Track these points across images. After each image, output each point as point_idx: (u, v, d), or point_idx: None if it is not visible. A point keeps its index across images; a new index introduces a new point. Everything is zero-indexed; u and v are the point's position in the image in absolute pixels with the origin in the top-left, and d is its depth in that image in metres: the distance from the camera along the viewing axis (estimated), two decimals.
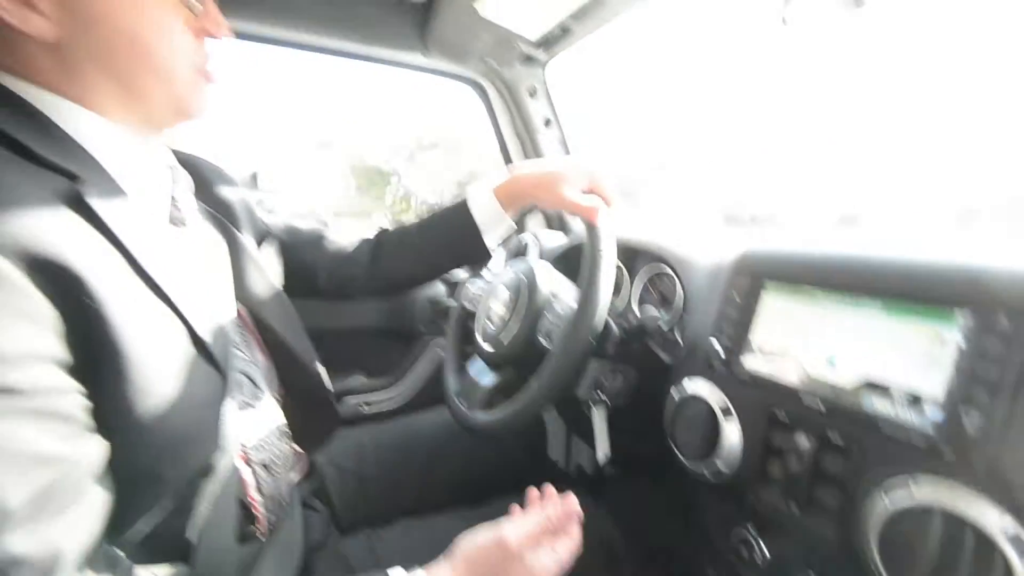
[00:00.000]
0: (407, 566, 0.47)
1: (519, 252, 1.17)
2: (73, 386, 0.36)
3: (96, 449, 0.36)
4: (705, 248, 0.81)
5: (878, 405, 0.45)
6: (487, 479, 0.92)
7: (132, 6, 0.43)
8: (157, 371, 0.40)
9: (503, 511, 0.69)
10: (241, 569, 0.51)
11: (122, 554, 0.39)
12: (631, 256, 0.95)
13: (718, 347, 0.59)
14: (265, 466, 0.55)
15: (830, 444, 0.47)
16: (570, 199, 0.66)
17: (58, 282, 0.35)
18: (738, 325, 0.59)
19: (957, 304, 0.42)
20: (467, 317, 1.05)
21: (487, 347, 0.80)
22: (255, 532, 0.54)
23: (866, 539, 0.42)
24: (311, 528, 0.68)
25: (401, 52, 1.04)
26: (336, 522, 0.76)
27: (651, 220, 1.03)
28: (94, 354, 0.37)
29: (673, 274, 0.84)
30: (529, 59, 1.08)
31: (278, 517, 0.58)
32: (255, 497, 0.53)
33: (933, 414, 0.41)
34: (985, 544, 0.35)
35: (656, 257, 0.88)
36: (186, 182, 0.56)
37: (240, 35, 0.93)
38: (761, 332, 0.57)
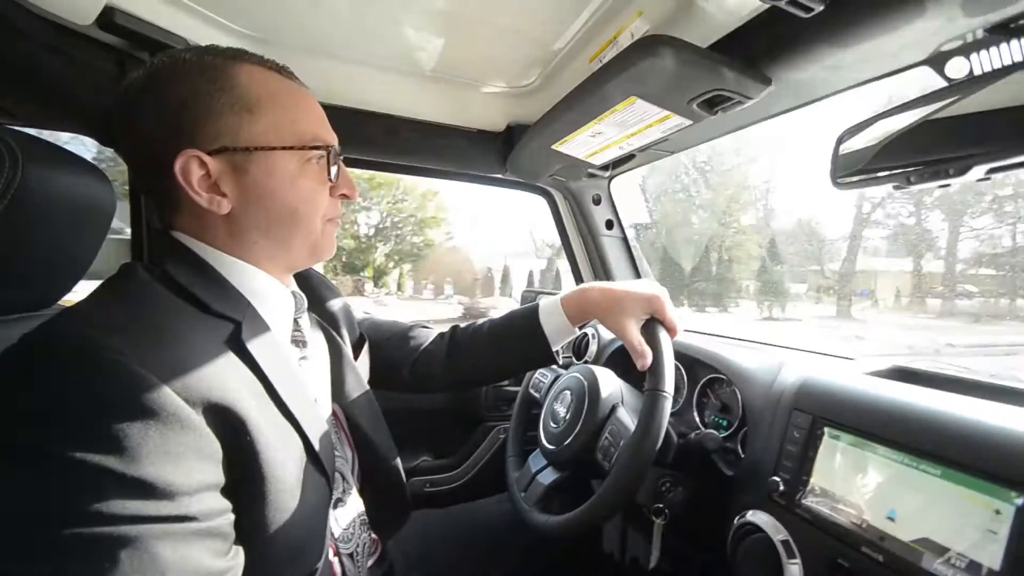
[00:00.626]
0: None
1: (579, 344, 1.25)
2: (227, 506, 0.42)
3: (240, 560, 0.42)
4: (761, 361, 0.85)
5: (938, 565, 0.48)
6: (544, 572, 0.95)
7: (292, 187, 0.53)
8: (284, 486, 0.46)
9: None
10: None
11: None
12: (691, 364, 1.00)
13: (779, 481, 0.63)
14: (350, 555, 0.62)
15: None
16: (630, 336, 0.72)
17: (224, 421, 0.42)
18: (798, 462, 0.63)
19: (1012, 485, 0.45)
20: (531, 403, 1.12)
21: (549, 446, 0.87)
22: None
23: None
24: None
25: (483, 172, 1.21)
26: None
27: (709, 331, 1.09)
28: (242, 476, 0.43)
29: (732, 385, 0.88)
30: (594, 175, 1.21)
31: None
32: None
33: None
34: None
35: (715, 369, 0.93)
36: (303, 302, 0.63)
37: (357, 163, 1.14)
38: (821, 473, 0.61)
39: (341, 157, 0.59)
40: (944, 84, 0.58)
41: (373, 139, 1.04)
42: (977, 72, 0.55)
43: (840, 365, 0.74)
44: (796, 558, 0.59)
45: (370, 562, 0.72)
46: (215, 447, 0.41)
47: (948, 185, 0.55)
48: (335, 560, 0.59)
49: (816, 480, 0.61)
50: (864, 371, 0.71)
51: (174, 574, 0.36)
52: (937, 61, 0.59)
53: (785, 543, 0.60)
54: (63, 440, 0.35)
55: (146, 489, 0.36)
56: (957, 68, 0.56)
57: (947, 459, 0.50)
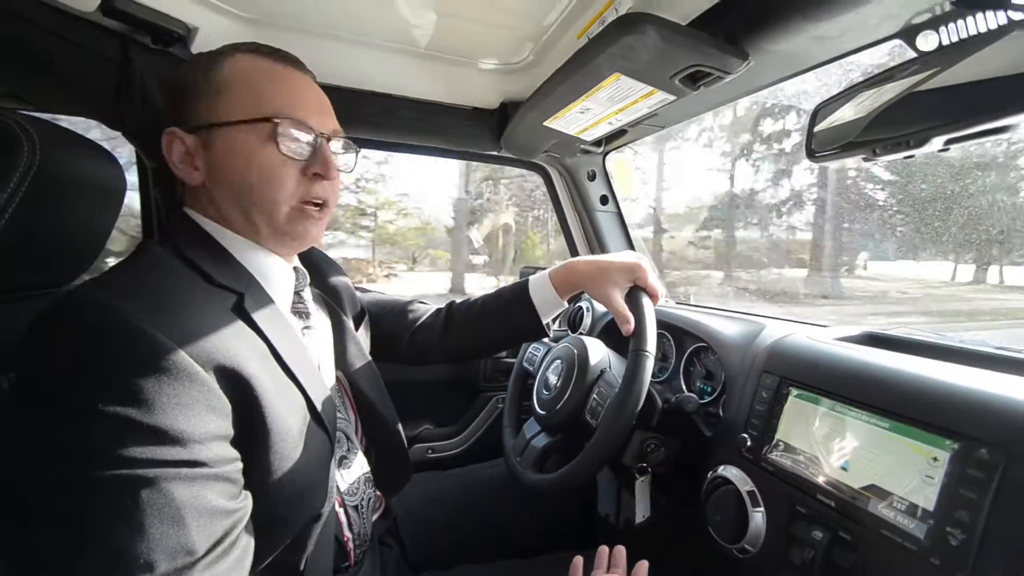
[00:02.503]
0: None
1: (574, 318, 1.29)
2: (236, 456, 0.46)
3: (248, 503, 0.46)
4: (741, 330, 0.89)
5: (881, 508, 0.52)
6: (540, 530, 1.02)
7: (248, 163, 0.55)
8: (288, 440, 0.50)
9: (552, 567, 0.78)
10: None
11: None
12: (679, 334, 1.04)
13: (747, 438, 0.67)
14: (355, 508, 0.67)
15: (840, 539, 0.55)
16: (615, 303, 0.76)
17: (231, 380, 0.46)
18: (765, 420, 0.67)
19: (947, 434, 0.49)
20: (526, 375, 1.18)
21: (542, 412, 0.92)
22: (346, 565, 0.65)
23: None
24: (386, 563, 0.80)
25: (479, 150, 1.24)
26: (407, 560, 0.88)
27: (695, 302, 1.13)
28: (250, 430, 0.47)
29: (715, 353, 0.92)
30: (588, 152, 1.23)
31: (362, 552, 0.69)
32: (347, 535, 0.65)
33: (925, 523, 0.48)
34: None
35: (700, 338, 0.96)
36: (305, 277, 0.67)
37: (356, 142, 1.16)
38: (785, 430, 0.65)
39: (325, 136, 0.58)
40: (916, 56, 0.60)
41: (371, 118, 1.07)
42: (945, 43, 0.56)
43: (812, 331, 0.77)
44: (760, 507, 0.64)
45: (375, 516, 0.77)
46: (223, 403, 0.45)
47: (912, 156, 0.58)
48: (341, 511, 0.64)
49: (780, 436, 0.65)
50: (834, 336, 0.75)
51: (187, 511, 0.40)
52: (909, 33, 0.60)
53: (751, 493, 0.65)
54: (88, 392, 0.39)
55: (161, 436, 0.40)
56: (927, 40, 0.58)
57: (895, 413, 0.54)
